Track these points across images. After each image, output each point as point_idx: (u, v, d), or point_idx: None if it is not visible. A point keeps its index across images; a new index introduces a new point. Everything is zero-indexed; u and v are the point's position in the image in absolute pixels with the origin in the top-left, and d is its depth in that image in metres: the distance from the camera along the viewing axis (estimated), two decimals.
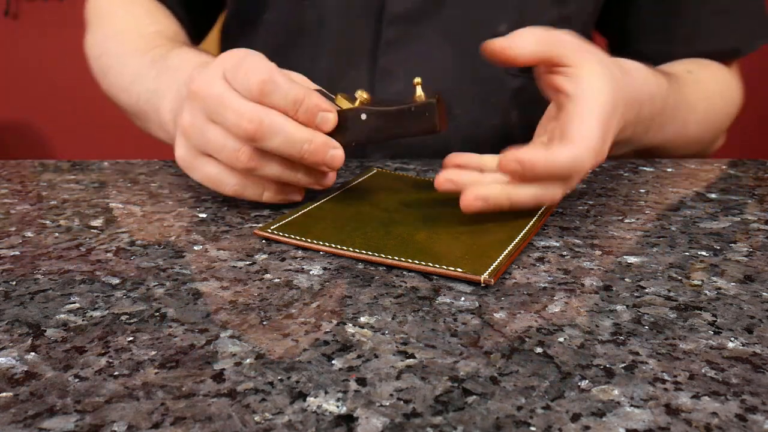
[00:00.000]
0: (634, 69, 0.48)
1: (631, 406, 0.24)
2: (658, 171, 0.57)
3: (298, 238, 0.38)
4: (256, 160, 0.41)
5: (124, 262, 0.36)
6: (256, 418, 0.23)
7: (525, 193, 0.40)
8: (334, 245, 0.37)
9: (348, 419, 0.23)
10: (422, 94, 0.41)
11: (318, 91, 0.43)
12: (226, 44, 0.74)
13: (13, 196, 0.48)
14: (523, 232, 0.39)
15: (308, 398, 0.24)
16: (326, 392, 0.24)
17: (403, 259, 0.35)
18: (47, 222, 0.43)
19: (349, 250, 0.37)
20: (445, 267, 0.34)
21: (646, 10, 0.68)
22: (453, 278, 0.34)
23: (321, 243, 0.38)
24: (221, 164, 0.42)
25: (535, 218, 0.41)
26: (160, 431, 0.22)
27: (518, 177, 0.40)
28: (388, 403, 0.24)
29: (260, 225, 0.41)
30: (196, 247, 0.38)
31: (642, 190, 0.51)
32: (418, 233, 0.39)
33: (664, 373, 0.26)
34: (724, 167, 0.58)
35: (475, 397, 0.24)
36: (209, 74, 0.41)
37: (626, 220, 0.43)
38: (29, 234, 0.41)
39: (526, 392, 0.24)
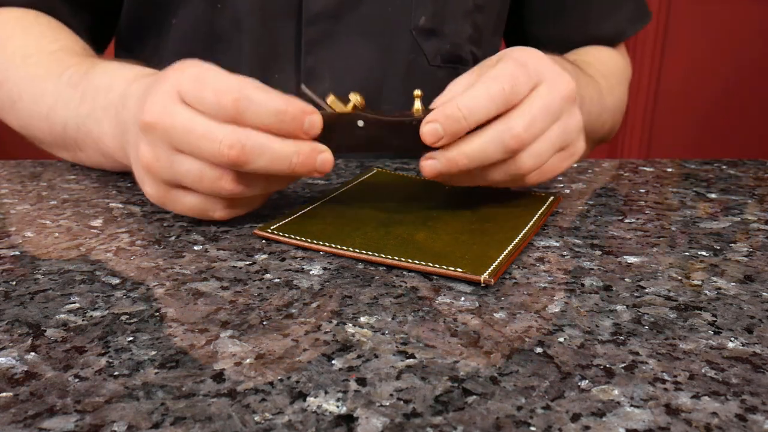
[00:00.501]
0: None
1: (631, 406, 0.24)
2: (658, 171, 0.57)
3: (298, 238, 0.38)
4: (242, 185, 0.38)
5: (124, 262, 0.36)
6: (256, 418, 0.23)
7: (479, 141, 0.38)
8: (334, 245, 0.37)
9: (348, 419, 0.23)
10: (421, 107, 0.39)
11: (303, 94, 0.40)
12: (122, 54, 0.68)
13: (13, 196, 0.48)
14: (523, 232, 0.39)
15: (308, 398, 0.24)
16: (326, 392, 0.24)
17: (403, 259, 0.35)
18: (47, 222, 0.43)
19: (349, 250, 0.37)
20: (445, 267, 0.34)
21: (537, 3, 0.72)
22: (453, 278, 0.34)
23: (321, 243, 0.38)
24: (201, 194, 0.39)
25: (535, 218, 0.41)
26: (160, 431, 0.22)
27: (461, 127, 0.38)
28: (388, 403, 0.24)
29: (260, 225, 0.41)
30: (196, 247, 0.38)
31: (642, 190, 0.51)
32: (418, 233, 0.39)
33: (664, 373, 0.26)
34: (724, 167, 0.58)
35: (475, 397, 0.24)
36: (162, 100, 0.37)
37: (626, 220, 0.43)
38: (29, 234, 0.41)
39: (526, 392, 0.24)
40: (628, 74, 0.75)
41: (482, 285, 0.33)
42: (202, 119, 0.36)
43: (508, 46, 0.78)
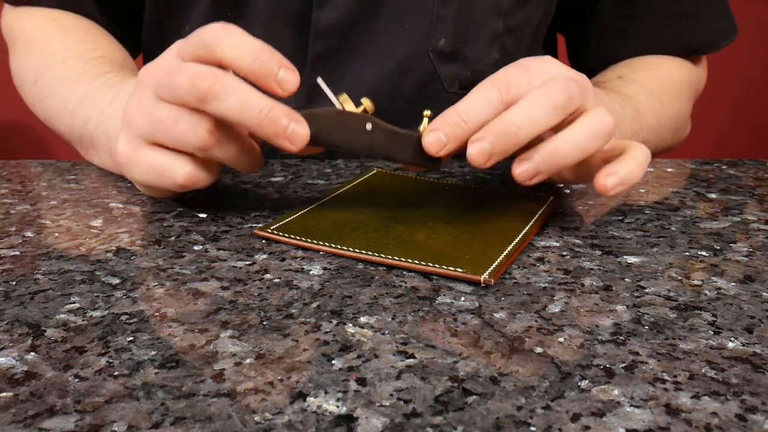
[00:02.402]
0: None
1: (631, 406, 0.24)
2: (658, 171, 0.57)
3: (298, 238, 0.38)
4: (215, 135, 0.37)
5: (124, 262, 0.36)
6: (256, 418, 0.23)
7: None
8: (334, 245, 0.37)
9: (348, 419, 0.23)
10: (425, 123, 0.39)
11: (318, 86, 0.40)
12: (147, 61, 0.68)
13: (13, 196, 0.48)
14: (523, 232, 0.39)
15: (308, 398, 0.24)
16: (326, 392, 0.24)
17: (403, 259, 0.35)
18: (47, 222, 0.43)
19: (349, 250, 0.37)
20: (445, 267, 0.34)
21: (606, 12, 0.66)
22: (453, 278, 0.34)
23: (321, 243, 0.38)
24: (169, 151, 0.39)
25: (535, 218, 0.41)
26: (160, 431, 0.22)
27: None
28: (388, 403, 0.24)
29: (260, 225, 0.41)
30: (196, 247, 0.38)
31: (642, 190, 0.51)
32: (418, 233, 0.39)
33: (664, 373, 0.26)
34: (724, 167, 0.58)
35: (475, 397, 0.24)
36: (162, 57, 0.39)
37: (626, 220, 0.43)
38: (29, 234, 0.41)
39: (526, 392, 0.24)
40: (694, 82, 0.67)
41: (482, 285, 0.33)
42: (187, 63, 0.37)
43: (568, 50, 0.71)
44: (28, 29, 0.60)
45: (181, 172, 0.39)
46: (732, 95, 1.63)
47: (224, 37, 0.36)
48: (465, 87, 0.58)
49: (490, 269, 0.34)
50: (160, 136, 0.38)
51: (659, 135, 0.63)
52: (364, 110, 0.39)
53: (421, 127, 0.39)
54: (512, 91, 0.37)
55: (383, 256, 0.36)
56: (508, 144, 0.36)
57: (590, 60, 0.68)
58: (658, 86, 0.62)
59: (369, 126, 0.39)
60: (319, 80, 0.41)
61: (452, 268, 0.34)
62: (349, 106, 0.39)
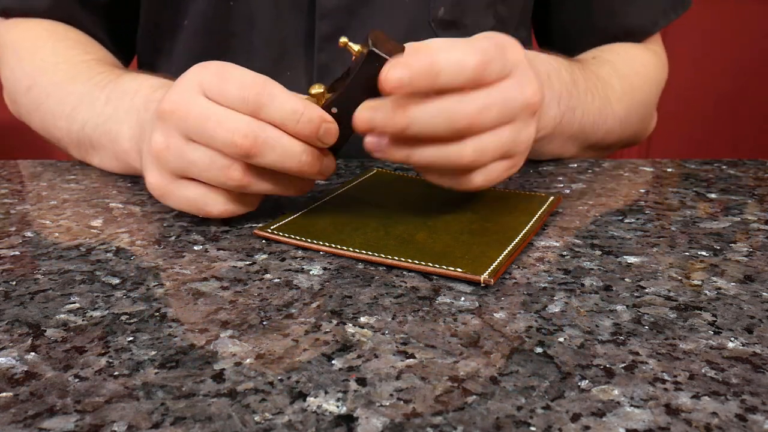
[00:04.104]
0: (533, 54, 0.48)
1: (631, 406, 0.24)
2: (658, 171, 0.57)
3: (298, 238, 0.38)
4: (250, 177, 0.38)
5: (124, 262, 0.36)
6: (256, 418, 0.23)
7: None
8: (334, 245, 0.37)
9: (348, 419, 0.23)
10: (356, 47, 0.36)
11: (325, 65, 0.40)
12: (142, 62, 0.68)
13: (13, 196, 0.48)
14: (524, 232, 0.39)
15: (308, 398, 0.24)
16: (326, 392, 0.24)
17: (403, 259, 0.35)
18: (47, 222, 0.43)
19: (349, 250, 0.37)
20: (445, 267, 0.34)
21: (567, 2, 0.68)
22: (453, 278, 0.34)
23: (321, 243, 0.38)
24: (205, 185, 0.39)
25: (535, 218, 0.41)
26: (160, 431, 0.22)
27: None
28: (388, 403, 0.24)
29: (260, 225, 0.41)
30: (196, 247, 0.38)
31: (642, 190, 0.51)
32: (418, 233, 0.39)
33: (664, 373, 0.26)
34: (724, 167, 0.58)
35: (475, 397, 0.24)
36: (183, 91, 0.38)
37: (626, 220, 0.43)
38: (29, 234, 0.41)
39: (526, 392, 0.24)
40: (660, 74, 0.70)
41: (482, 285, 0.33)
42: (218, 108, 0.37)
43: (535, 36, 0.74)
44: (18, 39, 0.60)
45: (216, 207, 0.40)
46: (732, 95, 1.63)
47: (266, 102, 0.36)
48: None
49: (489, 269, 0.34)
50: (195, 174, 0.38)
51: (625, 123, 0.64)
52: (321, 97, 0.38)
53: (355, 52, 0.36)
54: (488, 67, 0.36)
55: (383, 256, 0.36)
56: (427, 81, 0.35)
57: (553, 45, 0.70)
58: (629, 71, 0.64)
59: (334, 110, 0.38)
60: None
61: (452, 268, 0.34)
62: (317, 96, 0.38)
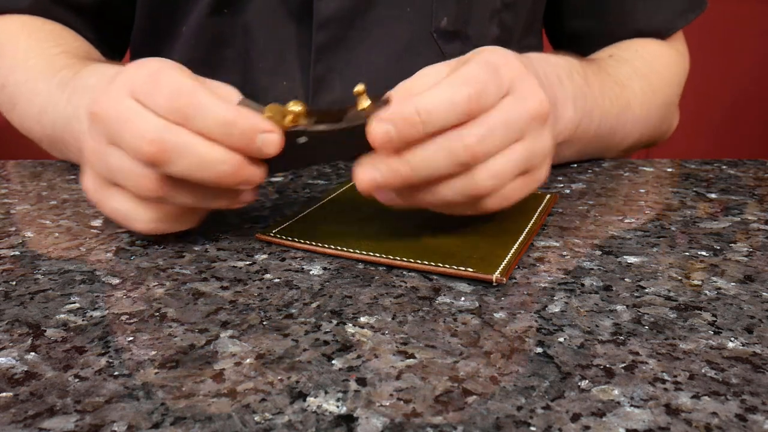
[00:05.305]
0: (539, 57, 0.47)
1: (631, 406, 0.24)
2: (658, 171, 0.57)
3: (301, 241, 0.38)
4: (166, 188, 0.34)
5: (124, 262, 0.36)
6: (256, 418, 0.23)
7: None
8: (340, 248, 0.37)
9: (348, 419, 0.23)
10: (367, 103, 0.34)
11: (241, 102, 0.35)
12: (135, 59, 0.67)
13: (13, 196, 0.48)
14: (527, 229, 0.39)
15: (308, 398, 0.24)
16: (326, 392, 0.24)
17: (412, 260, 0.35)
18: (47, 222, 0.43)
19: (356, 252, 0.36)
20: (455, 267, 0.34)
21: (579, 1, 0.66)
22: (456, 277, 0.34)
23: (326, 246, 0.37)
24: (131, 196, 0.36)
25: (535, 217, 0.41)
26: (160, 431, 0.22)
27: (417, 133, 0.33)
28: (388, 403, 0.24)
29: (260, 225, 0.41)
30: (196, 247, 0.38)
31: (642, 190, 0.51)
32: (424, 233, 0.39)
33: (664, 373, 0.26)
34: (724, 167, 0.58)
35: (475, 397, 0.24)
36: (113, 92, 0.35)
37: (626, 220, 0.43)
38: (29, 234, 0.41)
39: (526, 392, 0.24)
40: (681, 72, 0.67)
41: (494, 284, 0.33)
42: (136, 112, 0.34)
43: (549, 41, 0.72)
44: None
45: (140, 221, 0.36)
46: (731, 94, 1.63)
47: (192, 113, 0.33)
48: None
49: (500, 267, 0.34)
50: (117, 180, 0.36)
51: (645, 126, 0.62)
52: (294, 119, 0.34)
53: (359, 108, 0.34)
54: (482, 97, 0.34)
55: (391, 257, 0.36)
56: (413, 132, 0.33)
57: (567, 48, 0.68)
58: (647, 67, 0.62)
59: (302, 140, 0.34)
60: (242, 98, 0.36)
61: (462, 268, 0.34)
62: (277, 119, 0.34)
